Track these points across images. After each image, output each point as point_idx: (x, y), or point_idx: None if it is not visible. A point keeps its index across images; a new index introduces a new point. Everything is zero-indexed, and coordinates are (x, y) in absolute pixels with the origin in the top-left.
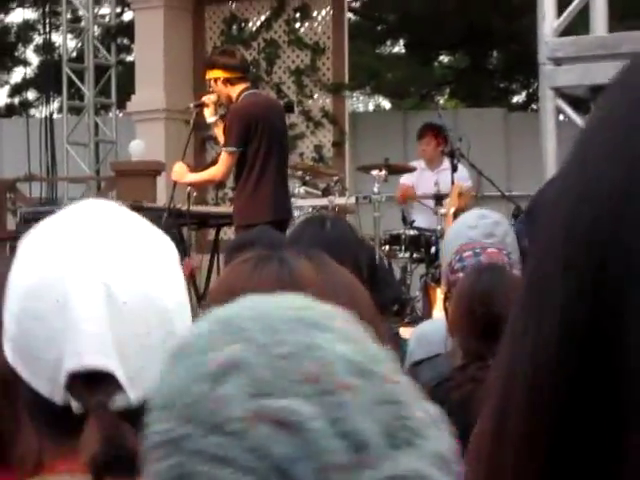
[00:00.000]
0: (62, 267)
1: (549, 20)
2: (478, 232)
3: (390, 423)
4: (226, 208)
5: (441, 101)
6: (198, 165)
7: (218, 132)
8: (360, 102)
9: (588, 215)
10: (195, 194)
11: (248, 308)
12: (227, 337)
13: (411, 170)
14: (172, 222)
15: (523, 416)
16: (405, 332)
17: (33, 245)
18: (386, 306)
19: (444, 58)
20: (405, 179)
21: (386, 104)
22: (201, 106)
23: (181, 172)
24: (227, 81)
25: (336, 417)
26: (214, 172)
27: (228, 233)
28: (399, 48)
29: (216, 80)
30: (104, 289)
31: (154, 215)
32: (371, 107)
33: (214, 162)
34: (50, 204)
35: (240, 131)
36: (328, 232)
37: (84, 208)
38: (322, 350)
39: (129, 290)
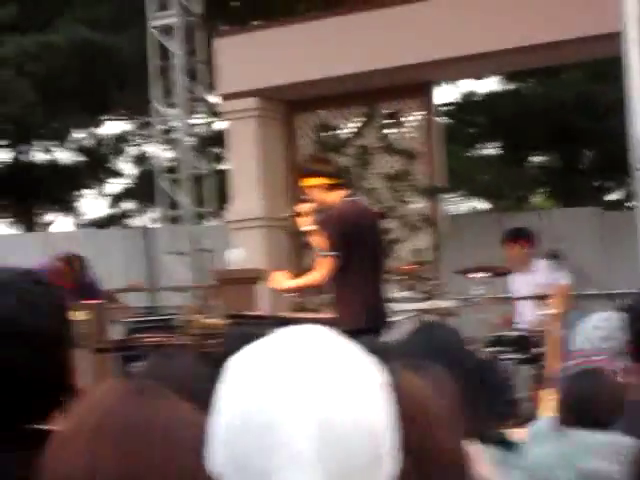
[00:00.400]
0: (275, 394)
1: (638, 125)
2: (601, 333)
3: None
4: (324, 314)
5: (537, 199)
6: (296, 271)
7: (314, 239)
8: (456, 204)
9: None
10: (296, 299)
11: None
12: None
13: (509, 272)
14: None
15: None
16: (516, 434)
17: (244, 369)
18: (500, 413)
19: (537, 159)
20: (514, 287)
21: (482, 205)
22: (297, 215)
23: (280, 279)
24: (325, 188)
25: None
26: (314, 277)
27: None
28: (492, 150)
29: (314, 187)
30: (317, 418)
31: (256, 323)
32: (467, 209)
33: (311, 268)
34: (153, 313)
35: (339, 237)
36: (438, 339)
37: (291, 332)
38: None
39: (340, 416)
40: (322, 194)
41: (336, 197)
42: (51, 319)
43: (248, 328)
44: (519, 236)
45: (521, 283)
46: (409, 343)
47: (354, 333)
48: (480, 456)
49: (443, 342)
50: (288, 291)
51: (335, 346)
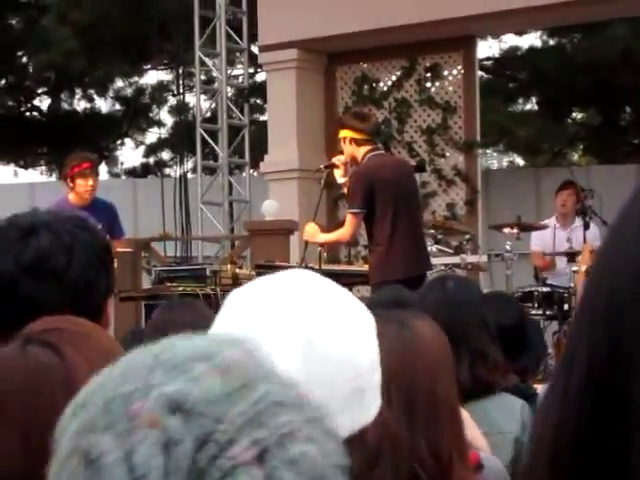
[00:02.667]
0: (266, 319)
1: None
2: None
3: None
4: (358, 266)
5: (575, 157)
6: (331, 224)
7: (347, 192)
8: (493, 159)
9: (607, 289)
10: (326, 253)
11: (139, 351)
12: (98, 378)
13: (543, 228)
14: None
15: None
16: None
17: (237, 301)
18: (529, 368)
19: (576, 115)
20: (536, 240)
21: (519, 161)
22: (332, 167)
23: (313, 232)
24: (354, 141)
25: (129, 451)
26: (342, 233)
27: (361, 291)
28: (531, 105)
29: (344, 139)
30: (304, 338)
31: None
32: (504, 164)
33: (344, 222)
34: (185, 263)
35: (363, 192)
36: (451, 294)
37: (289, 275)
38: (153, 389)
39: (327, 342)
40: (352, 148)
41: (364, 151)
42: (86, 263)
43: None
44: (573, 186)
45: (559, 238)
46: (424, 299)
47: (389, 284)
48: (468, 420)
49: (459, 297)
50: (320, 244)
51: (326, 288)
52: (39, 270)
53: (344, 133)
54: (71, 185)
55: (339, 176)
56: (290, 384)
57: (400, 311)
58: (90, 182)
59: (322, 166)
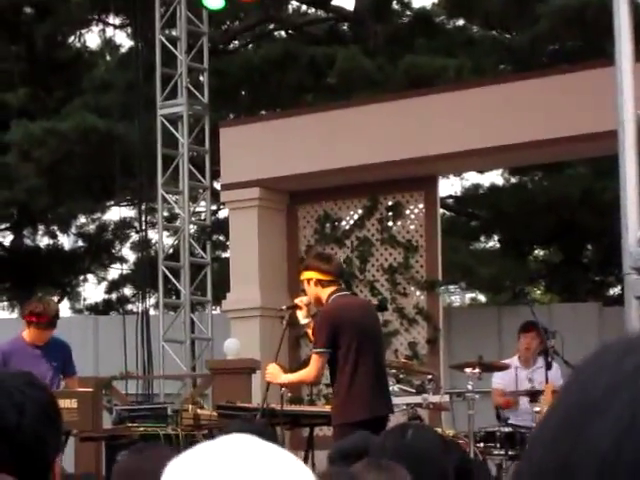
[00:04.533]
0: None
1: (632, 230)
2: None
3: None
4: (319, 407)
5: (537, 293)
6: (293, 363)
7: (310, 333)
8: (456, 294)
9: None
10: (289, 394)
11: None
12: None
13: (505, 368)
14: (265, 422)
15: None
16: None
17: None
18: None
19: (538, 253)
20: (498, 378)
21: (481, 297)
22: (294, 308)
23: (274, 373)
24: (319, 283)
25: None
26: (305, 374)
27: (324, 429)
28: (493, 243)
29: (309, 281)
30: None
31: (248, 415)
32: (467, 300)
33: (307, 361)
34: (146, 402)
35: (328, 332)
36: (410, 442)
37: (227, 445)
38: None
39: None
40: (315, 289)
41: (329, 292)
42: (37, 421)
43: (245, 424)
44: (536, 328)
45: (520, 378)
46: (384, 446)
47: (353, 425)
48: None
49: (418, 446)
50: (282, 385)
51: (265, 456)
52: None
53: (308, 274)
54: (27, 327)
55: (302, 317)
56: None
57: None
58: (42, 336)
59: (284, 307)
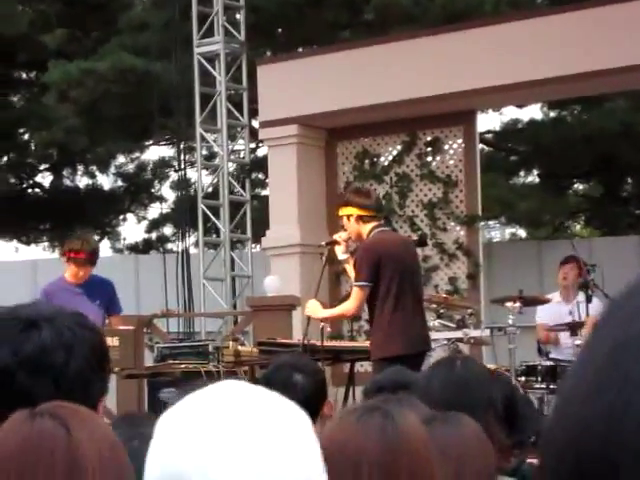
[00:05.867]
0: (203, 447)
1: None
2: None
3: None
4: (360, 343)
5: (577, 227)
6: (333, 299)
7: (349, 268)
8: (496, 230)
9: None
10: (329, 329)
11: None
12: None
13: (546, 302)
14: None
15: None
16: None
17: (170, 430)
18: (525, 441)
19: (578, 187)
20: (541, 313)
21: (521, 233)
22: (333, 244)
23: (314, 308)
24: (360, 219)
25: None
26: (346, 307)
27: (365, 365)
28: (532, 178)
29: (349, 217)
30: (247, 462)
31: (293, 350)
32: (506, 236)
33: (347, 296)
34: (188, 339)
35: (369, 266)
36: (458, 375)
37: (216, 391)
38: None
39: (272, 460)
40: (356, 225)
41: (370, 228)
42: (85, 361)
43: (288, 357)
44: (575, 260)
45: (561, 311)
46: (431, 379)
47: (391, 360)
48: None
49: (466, 376)
50: (322, 320)
51: (256, 400)
52: (37, 364)
53: (348, 211)
54: (67, 264)
55: (340, 253)
56: None
57: (389, 400)
58: (81, 273)
59: (323, 243)
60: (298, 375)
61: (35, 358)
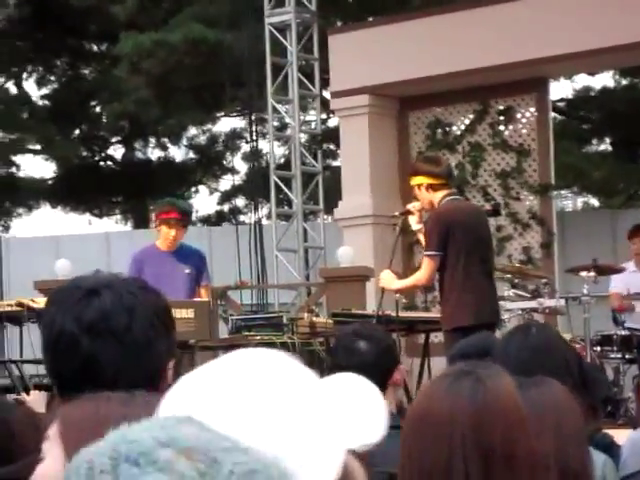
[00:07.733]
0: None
1: None
2: None
3: None
4: (434, 313)
5: None
6: (407, 270)
7: (422, 238)
8: (568, 200)
9: None
10: (404, 300)
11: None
12: None
13: (620, 271)
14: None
15: None
16: (619, 435)
17: (180, 394)
18: (596, 407)
19: None
20: (616, 282)
21: (594, 202)
22: (406, 214)
23: (388, 279)
24: (430, 187)
25: None
26: (417, 277)
27: (439, 336)
28: (605, 146)
29: (419, 186)
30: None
31: (362, 322)
32: (579, 205)
33: (420, 267)
34: (262, 311)
35: (439, 235)
36: (534, 340)
37: (237, 360)
38: None
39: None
40: (427, 193)
41: (441, 196)
42: (147, 324)
43: (354, 326)
44: None
45: (637, 281)
46: (508, 345)
47: (462, 330)
48: None
49: (542, 342)
50: (396, 291)
51: (275, 367)
52: (100, 329)
53: (419, 180)
54: (158, 229)
55: (414, 223)
56: (252, 450)
57: (479, 365)
58: (172, 232)
59: (397, 213)
60: (362, 342)
61: (97, 323)
